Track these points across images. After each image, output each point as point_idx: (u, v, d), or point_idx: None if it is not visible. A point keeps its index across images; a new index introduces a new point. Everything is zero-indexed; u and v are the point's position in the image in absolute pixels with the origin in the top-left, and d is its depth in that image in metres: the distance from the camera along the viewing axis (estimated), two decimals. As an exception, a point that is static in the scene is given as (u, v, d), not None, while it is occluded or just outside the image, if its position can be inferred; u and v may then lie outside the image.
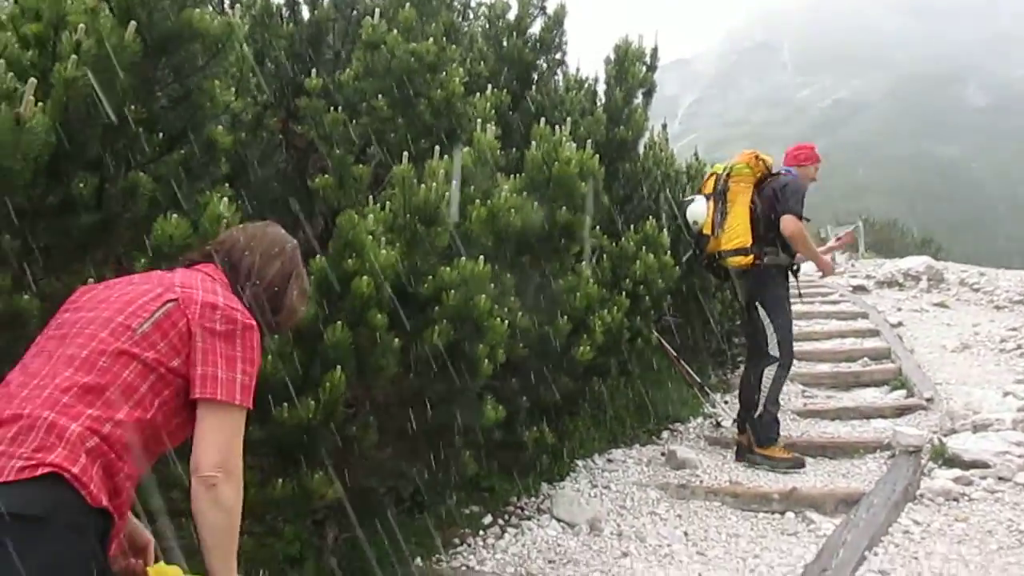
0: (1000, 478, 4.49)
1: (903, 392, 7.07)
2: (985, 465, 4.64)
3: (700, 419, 6.65)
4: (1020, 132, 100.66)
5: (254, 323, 1.92)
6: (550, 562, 3.92)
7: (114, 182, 2.93)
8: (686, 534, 4.27)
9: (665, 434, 6.29)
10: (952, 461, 4.78)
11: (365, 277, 2.89)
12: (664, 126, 8.46)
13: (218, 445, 1.78)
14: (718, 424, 6.45)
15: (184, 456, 1.86)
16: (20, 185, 2.45)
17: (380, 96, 4.48)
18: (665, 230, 5.32)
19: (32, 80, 2.46)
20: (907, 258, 15.07)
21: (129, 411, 1.71)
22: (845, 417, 6.54)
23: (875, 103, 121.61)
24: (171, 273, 1.99)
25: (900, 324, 9.82)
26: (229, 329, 1.86)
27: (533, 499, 4.79)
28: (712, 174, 5.78)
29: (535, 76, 6.17)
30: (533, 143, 4.15)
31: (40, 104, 2.52)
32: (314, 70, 4.67)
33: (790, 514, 4.51)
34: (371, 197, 3.83)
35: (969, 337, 8.89)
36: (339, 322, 2.82)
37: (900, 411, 6.51)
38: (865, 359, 8.32)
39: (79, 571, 1.58)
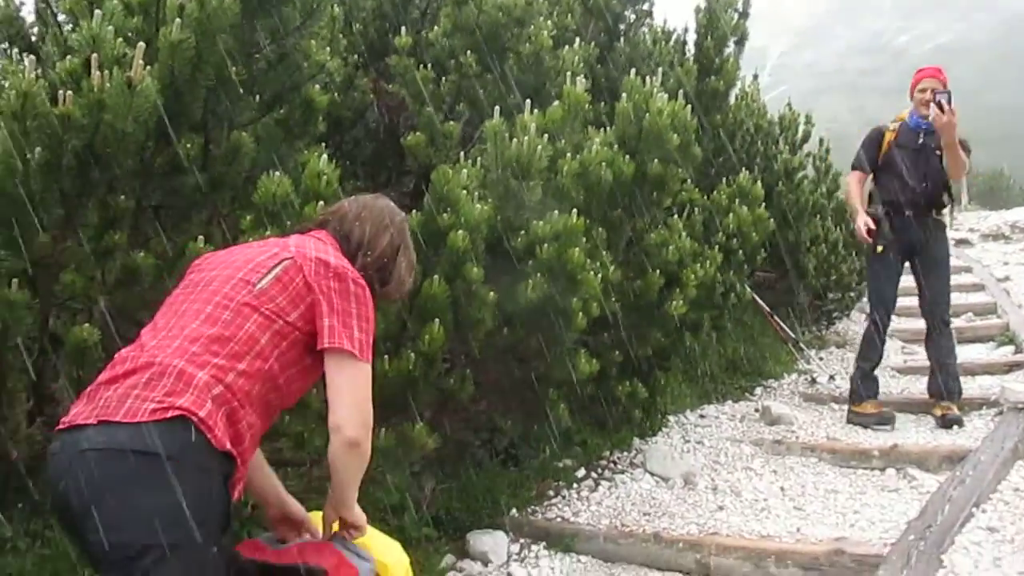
0: (1119, 436, 4.28)
1: (1011, 348, 6.79)
2: (1102, 422, 4.43)
3: (794, 375, 6.53)
4: None
5: (364, 282, 1.99)
6: (645, 515, 3.94)
7: (218, 143, 3.03)
8: (782, 489, 4.22)
9: (758, 390, 6.21)
10: (1066, 418, 4.58)
11: (460, 231, 2.92)
12: (755, 76, 8.22)
13: (357, 403, 1.89)
14: (813, 380, 6.32)
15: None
16: (132, 147, 2.55)
17: (468, 52, 4.48)
18: (759, 182, 5.17)
19: (140, 44, 2.55)
20: (1014, 209, 14.35)
21: (250, 361, 1.81)
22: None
23: (979, 48, 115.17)
24: (285, 238, 2.09)
25: (1007, 278, 9.38)
26: (343, 286, 1.93)
27: (626, 454, 4.81)
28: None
29: (622, 28, 6.06)
30: (623, 95, 4.09)
31: (148, 68, 2.62)
32: (403, 28, 4.69)
33: (891, 471, 4.40)
34: (461, 154, 3.86)
35: (1082, 291, 8.46)
36: (435, 277, 2.86)
37: (1009, 367, 6.25)
38: (969, 315, 8.00)
39: (205, 507, 1.68)
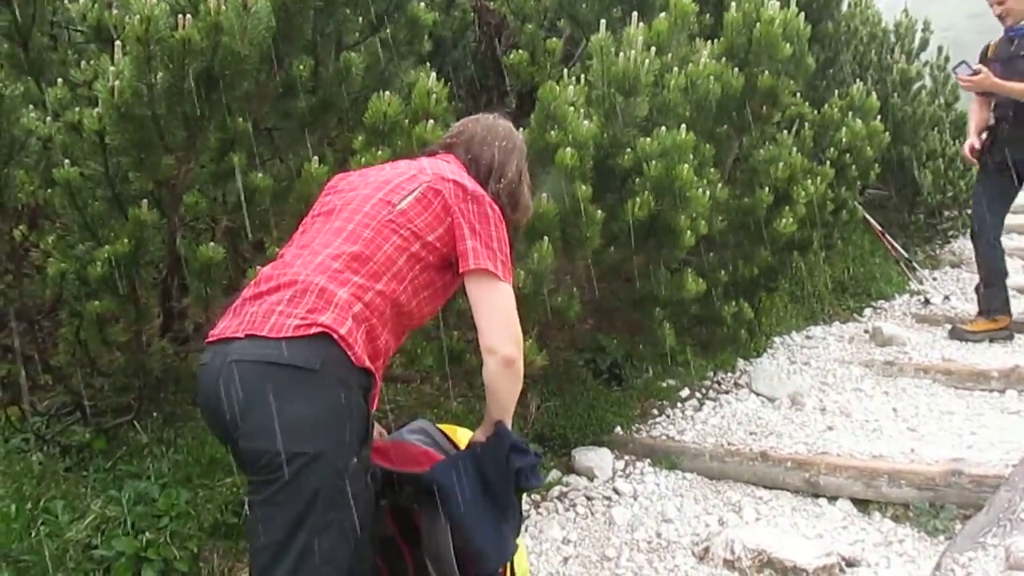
0: None
1: None
2: None
3: (907, 296, 6.31)
4: None
5: (497, 206, 2.02)
6: (751, 434, 3.92)
7: (327, 64, 3.06)
8: (895, 410, 4.13)
9: (868, 311, 6.03)
10: None
11: (569, 148, 2.89)
12: (870, -21, 7.74)
13: (507, 324, 1.94)
14: (927, 301, 6.09)
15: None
16: (248, 70, 2.60)
17: (570, -35, 4.36)
18: (873, 94, 4.92)
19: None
20: None
21: (387, 282, 1.87)
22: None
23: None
24: (416, 161, 2.11)
25: None
26: (481, 209, 1.97)
27: (730, 374, 4.78)
28: None
29: (728, -66, 5.76)
30: (732, 5, 3.91)
31: (261, -11, 2.64)
32: (502, -57, 4.60)
33: (1011, 392, 4.25)
34: (565, 71, 3.79)
35: None
36: (543, 194, 2.85)
37: None
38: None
39: (346, 419, 1.77)
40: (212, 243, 2.62)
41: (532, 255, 2.83)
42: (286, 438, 1.69)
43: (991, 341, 5.00)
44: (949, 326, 5.39)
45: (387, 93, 2.74)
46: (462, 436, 2.23)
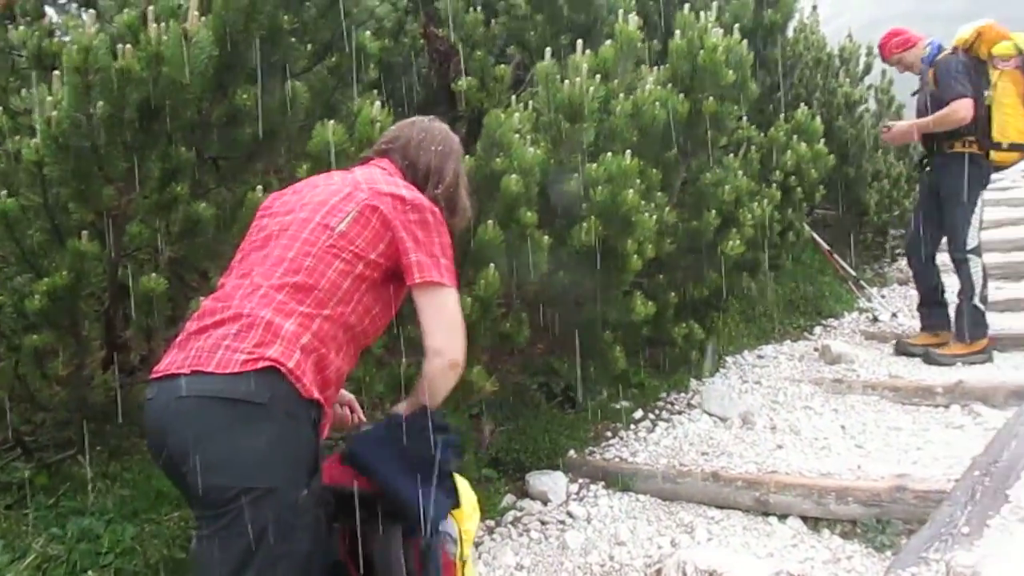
0: None
1: (1086, 283, 6.56)
2: None
3: (855, 314, 6.43)
4: None
5: (438, 211, 2.01)
6: (703, 454, 3.96)
7: (272, 93, 3.05)
8: (843, 427, 4.20)
9: (817, 329, 6.13)
10: None
11: (514, 175, 2.92)
12: (814, 7, 7.93)
13: (453, 327, 1.95)
14: (875, 318, 6.21)
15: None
16: (191, 99, 2.59)
17: (518, -7, 4.42)
18: (818, 117, 5.03)
19: (195, -5, 2.57)
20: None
21: (335, 306, 1.86)
22: (1016, 308, 6.13)
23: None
24: (350, 172, 2.09)
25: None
26: (422, 217, 1.95)
27: (683, 394, 4.82)
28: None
29: (675, -39, 5.89)
30: (677, 32, 4.00)
31: (202, 19, 2.64)
32: (451, -30, 4.64)
33: (955, 407, 4.34)
34: (513, 97, 3.83)
35: None
36: (489, 221, 2.87)
37: (1080, 303, 6.06)
38: (1047, 248, 7.73)
39: (295, 453, 1.76)
40: (154, 274, 2.59)
41: (479, 282, 2.84)
42: (234, 473, 1.68)
43: (964, 364, 5.03)
44: (895, 342, 5.51)
45: (332, 121, 2.74)
46: None
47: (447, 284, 1.94)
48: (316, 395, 1.79)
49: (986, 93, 4.81)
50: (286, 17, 2.99)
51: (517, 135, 3.04)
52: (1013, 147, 4.86)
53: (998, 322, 5.67)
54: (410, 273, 1.91)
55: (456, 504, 2.09)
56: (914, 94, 5.34)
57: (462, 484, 2.25)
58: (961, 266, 5.04)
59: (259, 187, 2.71)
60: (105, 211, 2.63)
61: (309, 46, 3.26)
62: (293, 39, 3.11)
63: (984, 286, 5.08)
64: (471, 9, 4.44)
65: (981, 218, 5.12)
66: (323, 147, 2.71)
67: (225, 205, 2.93)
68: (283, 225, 1.96)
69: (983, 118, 4.82)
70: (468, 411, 3.90)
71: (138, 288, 2.58)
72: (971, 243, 5.01)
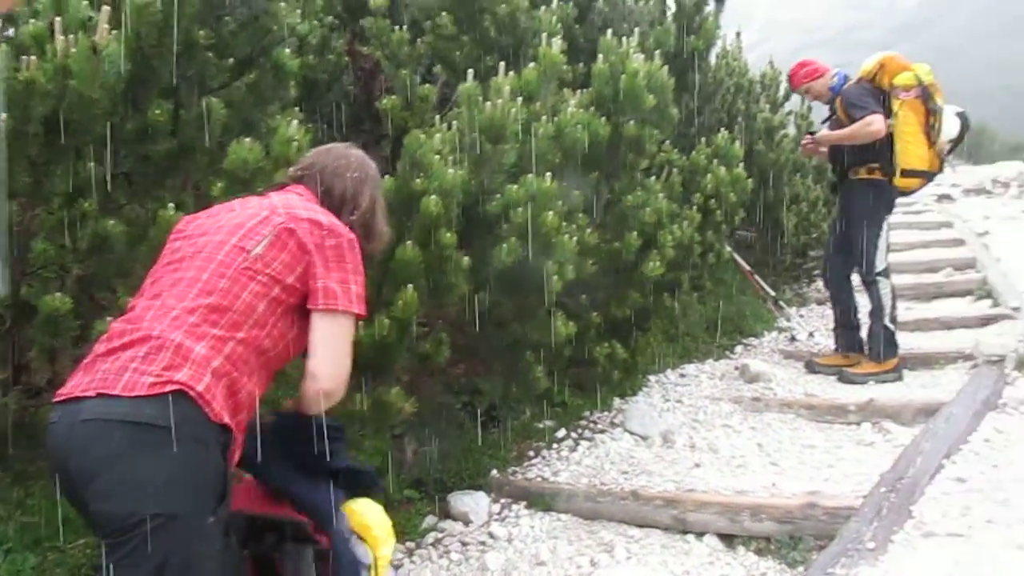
0: (1087, 386, 4.36)
1: (988, 302, 6.84)
2: (1073, 374, 4.51)
3: (775, 333, 6.59)
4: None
5: (354, 236, 2.02)
6: (623, 473, 3.99)
7: (188, 108, 3.00)
8: (760, 445, 4.29)
9: (739, 349, 6.27)
10: (1038, 370, 4.66)
11: (433, 196, 2.92)
12: (738, 34, 8.16)
13: (337, 356, 1.95)
14: (793, 338, 6.38)
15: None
16: (100, 113, 2.53)
17: (444, 13, 4.43)
18: (737, 142, 5.17)
19: (105, 8, 2.52)
20: (996, 164, 14.41)
21: (248, 330, 1.84)
22: (925, 328, 6.38)
23: (963, 3, 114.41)
24: (267, 197, 2.08)
25: (986, 233, 9.43)
26: (338, 243, 1.96)
27: (606, 413, 4.86)
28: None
29: (602, -14, 5.99)
30: (600, 56, 4.06)
31: (113, 32, 2.58)
32: (377, -12, 4.63)
33: (866, 425, 4.47)
34: (438, 117, 3.84)
35: (1061, 245, 8.50)
36: (408, 242, 2.86)
37: (984, 321, 6.30)
38: (949, 269, 8.05)
39: (202, 479, 1.73)
40: (59, 293, 2.51)
41: (397, 302, 2.82)
42: (138, 499, 1.65)
43: (876, 383, 5.19)
44: (807, 361, 5.67)
45: (248, 139, 2.70)
46: None
47: (351, 313, 1.95)
48: (226, 419, 1.76)
49: (888, 122, 5.01)
50: (202, 32, 2.94)
51: (438, 156, 3.04)
52: (914, 173, 5.08)
53: (909, 341, 5.89)
54: (315, 297, 1.91)
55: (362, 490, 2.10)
56: (824, 122, 5.55)
57: (376, 509, 2.23)
58: (871, 288, 5.23)
59: (171, 204, 2.65)
60: (8, 227, 2.54)
61: (231, 61, 3.22)
62: (210, 54, 3.06)
63: (894, 307, 5.27)
64: (397, 27, 4.44)
65: (888, 241, 5.32)
66: (238, 165, 2.66)
67: (138, 222, 2.87)
68: (197, 247, 1.93)
69: (886, 146, 5.03)
70: (390, 432, 3.87)
71: (41, 307, 2.49)
72: (879, 265, 5.19)
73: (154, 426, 1.66)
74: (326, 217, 2.00)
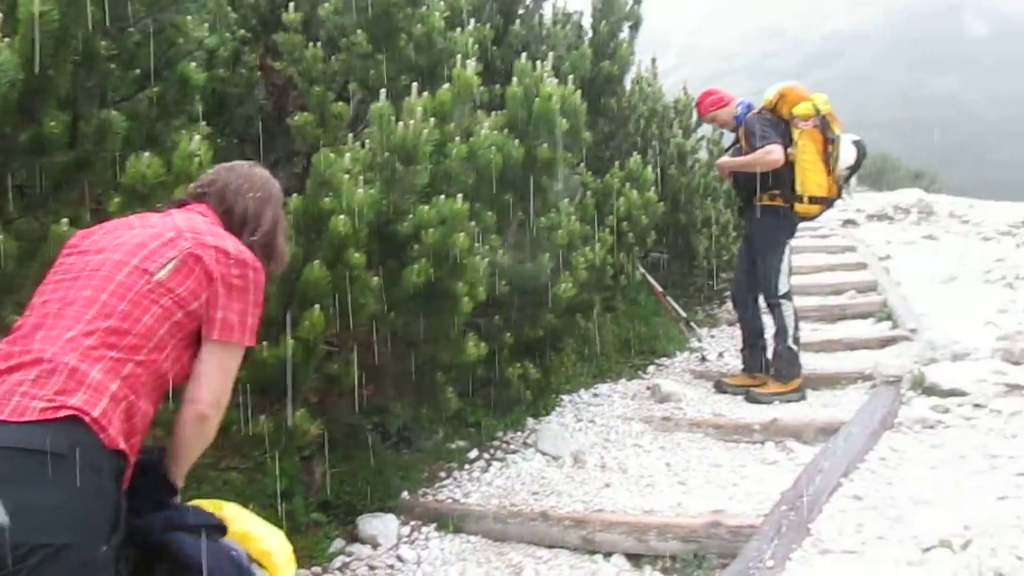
0: (976, 405, 4.57)
1: (888, 324, 7.12)
2: (962, 393, 4.71)
3: (686, 353, 6.72)
4: (1018, 62, 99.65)
5: (261, 266, 2.00)
6: (534, 493, 4.01)
7: (87, 120, 2.90)
8: (668, 465, 4.36)
9: (651, 368, 6.37)
10: (931, 390, 4.86)
11: (342, 216, 2.89)
12: (653, 60, 8.35)
13: (220, 383, 1.92)
14: (703, 358, 6.52)
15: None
16: (-11, 125, 2.42)
17: (360, 31, 4.41)
18: (649, 166, 5.28)
19: (-3, 16, 2.42)
20: (898, 191, 15.03)
21: (148, 353, 1.79)
22: (829, 349, 6.60)
23: (870, 35, 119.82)
24: (169, 216, 2.03)
25: (888, 257, 9.82)
26: (243, 273, 1.94)
27: (519, 433, 4.87)
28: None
29: (519, 10, 6.06)
30: (514, 79, 4.10)
31: (7, 40, 2.49)
32: (292, 3, 4.58)
33: (770, 444, 4.59)
34: (351, 135, 3.81)
35: (955, 268, 8.90)
36: (316, 262, 2.83)
37: (884, 342, 6.56)
38: (852, 292, 8.35)
39: (96, 506, 1.66)
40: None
41: (303, 323, 2.78)
42: (27, 529, 1.56)
43: (781, 402, 5.32)
44: (715, 381, 5.81)
45: (147, 154, 2.62)
46: (228, 513, 2.14)
47: (243, 345, 1.94)
48: (121, 445, 1.70)
49: (789, 150, 5.20)
50: (104, 43, 2.85)
51: (347, 175, 3.02)
52: (814, 200, 5.29)
53: (813, 362, 6.08)
54: (212, 327, 1.89)
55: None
56: (728, 149, 5.73)
57: (276, 534, 2.18)
58: (775, 310, 5.39)
59: (64, 220, 2.55)
60: None
61: (135, 72, 3.13)
62: (113, 65, 2.97)
63: (796, 328, 5.45)
64: (311, 44, 4.39)
65: (791, 264, 5.50)
66: (137, 180, 2.59)
67: (30, 236, 2.75)
68: (94, 265, 1.86)
69: (787, 173, 5.22)
70: (299, 454, 3.80)
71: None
72: (782, 288, 5.37)
73: (44, 453, 1.59)
74: (234, 245, 1.97)
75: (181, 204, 2.13)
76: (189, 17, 3.15)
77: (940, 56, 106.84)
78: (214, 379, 1.89)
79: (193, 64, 3.15)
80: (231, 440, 3.05)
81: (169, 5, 3.10)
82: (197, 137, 2.69)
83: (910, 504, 3.41)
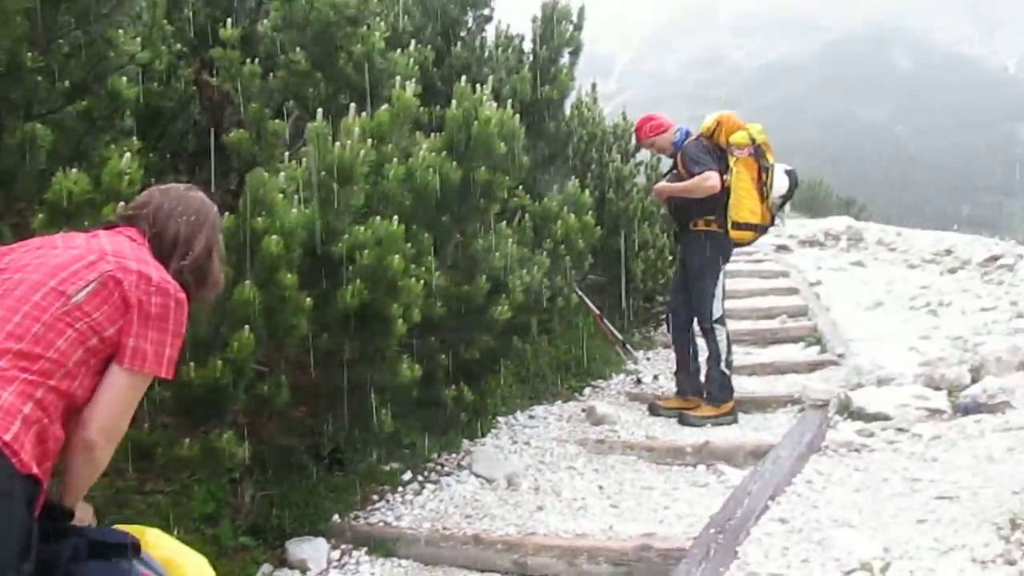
0: (899, 429, 4.71)
1: (817, 348, 7.31)
2: (886, 417, 4.85)
3: (622, 376, 6.78)
4: (943, 95, 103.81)
5: (184, 296, 1.94)
6: (467, 517, 3.99)
7: (11, 133, 2.83)
8: (601, 487, 4.38)
9: (587, 391, 6.41)
10: (856, 414, 4.99)
11: (275, 236, 2.86)
12: (594, 86, 8.47)
13: (117, 412, 1.84)
14: (639, 381, 6.59)
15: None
16: (-96, 136, 2.35)
17: (299, 49, 4.38)
18: (587, 190, 5.34)
19: (-85, 25, 2.35)
20: (829, 218, 15.47)
21: (60, 378, 1.73)
22: (761, 373, 6.74)
23: (805, 66, 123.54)
24: (95, 237, 1.97)
25: (819, 282, 10.08)
26: (163, 302, 1.88)
27: (454, 455, 4.85)
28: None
29: (461, 32, 6.10)
30: (454, 102, 4.12)
31: (-75, 51, 2.42)
32: (230, 19, 4.52)
33: (702, 467, 4.66)
34: (287, 154, 3.78)
35: (882, 295, 9.19)
36: (247, 282, 2.79)
37: (813, 367, 6.73)
38: (783, 317, 8.56)
39: (7, 532, 1.60)
40: None
41: (232, 344, 2.73)
42: None
43: (714, 425, 5.41)
44: (649, 404, 5.88)
45: (74, 170, 2.56)
46: (151, 539, 2.08)
47: (151, 376, 1.88)
48: (34, 470, 1.65)
49: (725, 177, 5.33)
50: (31, 54, 2.79)
51: (282, 195, 2.99)
52: (747, 226, 5.42)
53: (745, 385, 6.20)
54: (123, 354, 1.83)
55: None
56: (666, 175, 5.84)
57: (199, 561, 2.14)
58: (708, 334, 5.49)
59: (-16, 236, 2.48)
60: None
61: (64, 85, 3.06)
62: (40, 78, 2.90)
63: (729, 352, 5.55)
64: (248, 60, 4.35)
65: (724, 289, 5.61)
66: (62, 196, 2.52)
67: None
68: (10, 285, 1.80)
69: (722, 199, 5.34)
70: (227, 476, 3.72)
71: None
72: (716, 313, 5.47)
73: None
74: (158, 272, 1.91)
75: (110, 226, 2.07)
76: (121, 31, 3.09)
77: (870, 88, 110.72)
78: (111, 407, 1.82)
79: (124, 78, 3.09)
80: (156, 463, 2.98)
81: (101, 18, 3.03)
82: (127, 154, 2.63)
83: (834, 527, 3.49)
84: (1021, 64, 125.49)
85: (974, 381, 5.14)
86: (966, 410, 4.81)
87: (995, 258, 10.19)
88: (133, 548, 1.90)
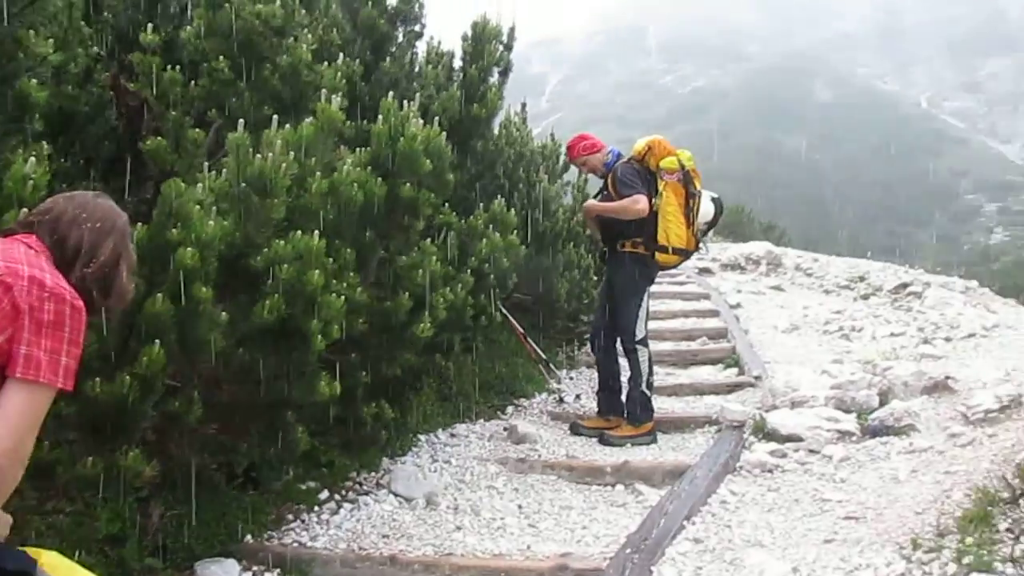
0: (811, 451, 4.84)
1: (735, 370, 7.47)
2: (798, 439, 4.98)
3: (544, 394, 6.81)
4: (860, 126, 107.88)
5: (82, 304, 1.84)
6: (384, 536, 3.94)
7: (-92, 135, 2.70)
8: (520, 507, 4.38)
9: (510, 409, 6.41)
10: (770, 435, 5.12)
11: (190, 249, 2.78)
12: (523, 105, 8.53)
13: (21, 430, 1.72)
14: (561, 400, 6.62)
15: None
16: None
17: (222, 57, 4.29)
18: (512, 209, 5.36)
19: None
20: (750, 243, 15.87)
21: None
22: (681, 393, 6.85)
23: (731, 93, 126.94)
24: None
25: (738, 305, 10.34)
26: (58, 308, 1.78)
27: (373, 474, 4.78)
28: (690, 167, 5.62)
29: (391, 47, 6.07)
30: (380, 117, 4.09)
31: None
32: (151, 24, 4.40)
33: (620, 486, 4.70)
34: (206, 164, 3.68)
35: (799, 319, 9.47)
36: (159, 295, 2.70)
37: (731, 388, 6.88)
38: (704, 338, 8.73)
39: None
40: None
41: (141, 359, 2.64)
42: None
43: (633, 445, 5.46)
44: (571, 423, 5.92)
45: (-26, 175, 2.46)
46: (47, 561, 1.99)
47: (52, 386, 1.76)
48: None
49: (654, 200, 5.43)
50: (-68, 53, 2.67)
51: (199, 206, 2.91)
52: (673, 250, 5.51)
53: (665, 406, 6.30)
54: (15, 363, 1.72)
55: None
56: (596, 195, 5.91)
57: None
58: (631, 355, 5.56)
59: None
60: None
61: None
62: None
63: (651, 373, 5.63)
64: (170, 67, 4.24)
65: (648, 310, 5.69)
66: (-39, 203, 2.41)
67: None
68: None
69: (650, 222, 5.43)
70: (134, 495, 3.59)
71: None
72: (639, 334, 5.55)
73: None
74: (52, 278, 1.82)
75: (8, 233, 1.98)
76: (32, 31, 2.98)
77: (791, 117, 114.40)
78: (10, 424, 1.70)
79: (35, 80, 2.98)
80: (57, 481, 2.85)
81: (11, 17, 2.92)
82: (33, 159, 2.53)
83: (746, 547, 3.56)
84: (933, 100, 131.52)
85: (882, 404, 5.33)
86: (874, 432, 4.98)
87: (905, 285, 10.60)
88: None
